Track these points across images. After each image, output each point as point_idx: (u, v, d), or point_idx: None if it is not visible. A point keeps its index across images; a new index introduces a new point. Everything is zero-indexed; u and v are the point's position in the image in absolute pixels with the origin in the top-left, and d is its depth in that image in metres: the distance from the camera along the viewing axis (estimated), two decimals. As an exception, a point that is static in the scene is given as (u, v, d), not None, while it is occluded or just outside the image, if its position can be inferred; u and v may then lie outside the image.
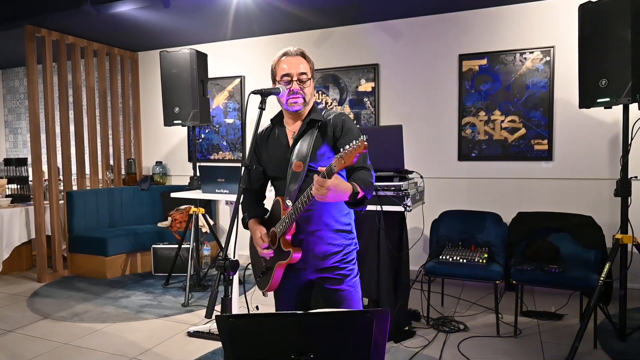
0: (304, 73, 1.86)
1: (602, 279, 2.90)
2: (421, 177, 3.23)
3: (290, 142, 1.91)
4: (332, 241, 1.86)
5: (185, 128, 5.65)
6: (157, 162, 5.79)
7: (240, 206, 2.14)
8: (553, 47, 4.09)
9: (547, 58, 4.11)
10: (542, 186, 4.19)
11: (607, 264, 2.92)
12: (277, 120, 2.00)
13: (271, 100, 1.90)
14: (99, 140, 5.49)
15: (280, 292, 1.99)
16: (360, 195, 1.65)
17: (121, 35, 5.14)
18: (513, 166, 4.29)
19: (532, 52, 4.16)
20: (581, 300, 3.52)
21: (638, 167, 3.72)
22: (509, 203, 4.22)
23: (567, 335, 3.21)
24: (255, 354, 1.42)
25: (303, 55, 1.90)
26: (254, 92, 1.77)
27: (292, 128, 1.95)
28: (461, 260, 3.41)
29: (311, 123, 1.89)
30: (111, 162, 5.67)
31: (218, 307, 1.69)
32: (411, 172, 3.17)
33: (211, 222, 4.85)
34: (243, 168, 1.75)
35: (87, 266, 4.84)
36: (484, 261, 3.36)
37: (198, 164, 3.27)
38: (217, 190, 3.18)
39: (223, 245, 4.77)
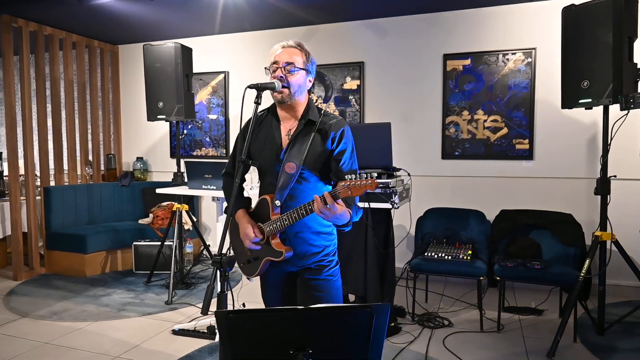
0: (292, 63, 1.85)
1: (582, 275, 2.98)
2: (408, 174, 3.26)
3: (285, 140, 1.91)
4: (313, 242, 1.90)
5: (167, 123, 5.56)
6: (137, 158, 5.68)
7: (223, 192, 2.14)
8: (534, 48, 4.18)
9: (529, 59, 4.20)
10: (523, 184, 4.28)
11: (587, 261, 3.01)
12: (273, 112, 1.98)
13: (266, 95, 1.89)
14: (77, 134, 5.36)
15: (266, 278, 2.03)
16: (350, 221, 1.75)
17: (102, 27, 5.02)
18: (495, 165, 4.37)
19: (514, 54, 4.24)
20: (561, 296, 3.61)
21: (616, 166, 3.83)
22: (491, 201, 4.30)
23: (547, 330, 3.29)
24: (253, 350, 1.41)
25: (299, 46, 1.89)
26: (250, 87, 1.76)
27: (287, 125, 1.93)
28: (446, 257, 3.46)
29: (309, 124, 1.88)
30: (90, 158, 5.54)
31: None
32: (398, 170, 3.19)
33: (194, 219, 4.79)
34: (237, 162, 1.73)
35: (65, 264, 4.73)
36: (468, 258, 3.42)
37: (184, 160, 3.21)
38: (203, 187, 3.14)
39: (206, 242, 4.72)
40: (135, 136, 5.82)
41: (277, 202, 1.84)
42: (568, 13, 3.03)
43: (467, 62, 4.39)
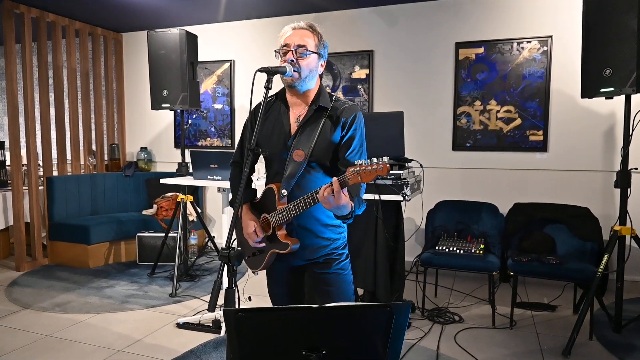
0: (303, 45, 1.74)
1: (600, 271, 2.88)
2: (421, 165, 3.16)
3: (293, 127, 1.81)
4: (321, 235, 1.81)
5: (172, 113, 5.47)
6: (141, 148, 5.60)
7: (229, 183, 2.05)
8: (551, 37, 4.04)
9: (545, 48, 4.06)
10: (536, 177, 4.17)
11: (605, 256, 2.91)
12: (281, 97, 1.88)
13: (276, 80, 1.78)
14: (80, 124, 5.27)
15: (272, 273, 1.95)
16: (351, 213, 1.67)
17: (106, 14, 4.91)
18: (508, 157, 4.25)
19: (529, 42, 4.11)
20: (575, 292, 3.51)
21: (636, 158, 3.72)
22: (503, 194, 4.19)
23: (562, 327, 3.20)
24: (263, 350, 1.32)
25: (311, 28, 1.78)
26: (261, 70, 1.65)
27: (296, 111, 1.83)
28: (458, 251, 3.36)
29: (319, 110, 1.78)
30: (93, 147, 5.46)
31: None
32: (410, 161, 3.09)
33: (199, 210, 4.71)
34: (246, 150, 1.63)
35: (69, 255, 4.66)
36: (481, 252, 3.32)
37: (189, 150, 3.12)
38: (209, 177, 3.05)
39: (211, 234, 4.61)
40: (140, 126, 5.73)
41: (284, 192, 1.75)
42: (590, -2, 2.90)
43: (480, 50, 4.26)
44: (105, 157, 5.58)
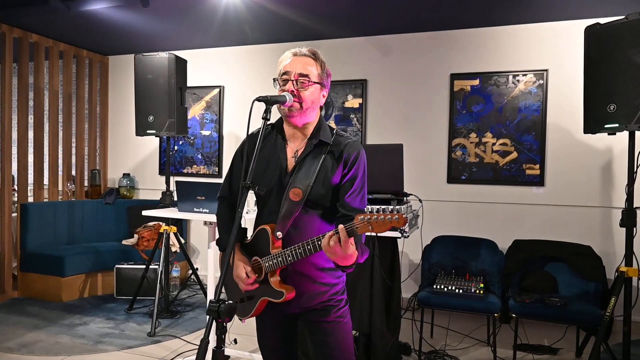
0: (305, 75, 1.60)
1: (607, 314, 2.73)
2: (420, 200, 3.01)
3: (290, 162, 1.65)
4: (319, 280, 1.64)
5: (157, 139, 5.28)
6: (124, 174, 5.37)
7: (216, 219, 1.87)
8: (547, 70, 4.00)
9: (541, 81, 4.02)
10: (533, 212, 4.06)
11: (613, 299, 2.76)
12: (278, 129, 1.72)
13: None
14: (60, 148, 5.04)
15: (263, 321, 1.76)
16: (354, 263, 1.50)
17: (92, 36, 4.76)
18: (504, 190, 4.14)
19: (525, 75, 4.06)
20: (578, 334, 3.35)
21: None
22: (500, 228, 4.07)
23: (566, 373, 3.03)
24: None
25: (314, 55, 1.64)
26: (259, 99, 1.50)
27: (294, 145, 1.68)
28: (456, 290, 3.19)
29: (319, 145, 1.63)
30: (73, 173, 5.22)
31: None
32: (409, 195, 2.94)
33: (182, 241, 4.48)
34: (241, 188, 1.46)
35: (41, 287, 4.36)
36: (481, 292, 3.15)
37: (174, 179, 2.93)
38: (195, 209, 2.85)
39: (194, 265, 4.31)
40: (123, 151, 5.52)
41: (279, 234, 1.58)
42: (592, 32, 2.84)
43: (476, 82, 4.20)
44: (86, 183, 5.34)
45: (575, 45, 3.89)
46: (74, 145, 5.20)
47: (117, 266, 4.43)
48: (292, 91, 1.58)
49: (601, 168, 3.90)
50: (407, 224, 2.79)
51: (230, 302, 1.30)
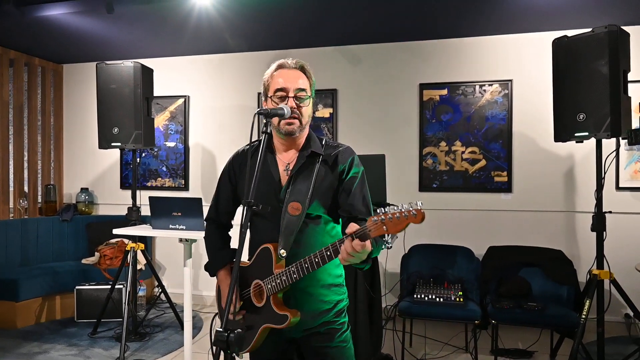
0: (303, 90, 1.56)
1: (583, 317, 2.82)
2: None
3: (283, 175, 1.59)
4: (323, 298, 1.58)
5: (117, 151, 5.02)
6: (82, 189, 5.08)
7: (205, 242, 1.78)
8: (511, 80, 4.14)
9: (506, 91, 4.14)
10: (503, 217, 4.16)
11: (587, 302, 2.85)
12: (267, 144, 1.65)
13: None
14: (11, 162, 4.71)
15: (260, 347, 1.63)
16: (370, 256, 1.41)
17: (45, 43, 4.48)
18: (474, 197, 4.23)
19: (491, 85, 4.18)
20: (552, 336, 3.44)
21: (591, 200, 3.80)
22: (472, 235, 4.14)
23: (544, 376, 3.09)
24: None
25: (303, 69, 1.60)
26: (260, 113, 1.43)
27: (284, 158, 1.62)
28: (437, 299, 3.20)
29: (312, 155, 1.58)
30: (26, 189, 4.87)
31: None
32: (390, 205, 2.92)
33: (149, 257, 4.27)
34: (244, 207, 1.37)
35: (-8, 314, 4.02)
36: (461, 299, 3.18)
37: (149, 196, 2.78)
38: (171, 226, 2.71)
39: (162, 281, 4.07)
40: (80, 165, 5.22)
41: (283, 252, 1.50)
42: (560, 45, 2.96)
43: (444, 92, 4.28)
44: (40, 200, 5.00)
45: (537, 57, 4.04)
46: (26, 159, 4.87)
47: (77, 287, 4.15)
48: (293, 108, 1.52)
49: (564, 174, 4.06)
50: (389, 235, 2.77)
51: (240, 330, 1.21)
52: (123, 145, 3.58)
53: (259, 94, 4.67)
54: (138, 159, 4.85)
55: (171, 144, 4.93)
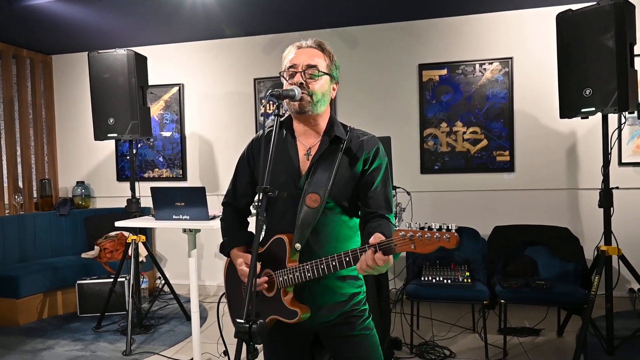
0: (314, 66, 1.49)
1: (592, 293, 2.81)
2: (408, 193, 2.97)
3: (303, 161, 1.53)
4: (338, 290, 1.52)
5: (112, 142, 4.94)
6: (78, 183, 4.99)
7: (221, 225, 1.73)
8: (511, 58, 4.08)
9: (506, 69, 4.09)
10: (506, 197, 4.14)
11: (596, 278, 2.84)
12: (287, 125, 1.59)
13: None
14: (4, 158, 4.60)
15: (272, 339, 1.60)
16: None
17: (32, 34, 4.35)
18: (476, 178, 4.20)
19: (491, 63, 4.12)
20: (559, 313, 3.45)
21: (594, 177, 3.79)
22: (475, 216, 4.12)
23: (552, 352, 3.12)
24: None
25: (320, 47, 1.53)
26: (272, 94, 1.36)
27: (305, 142, 1.56)
28: (444, 280, 3.18)
29: (334, 142, 1.52)
30: (20, 184, 4.78)
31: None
32: (396, 188, 2.89)
33: (150, 249, 4.21)
34: (259, 193, 1.32)
35: (-7, 312, 3.97)
36: (468, 280, 3.16)
37: (151, 187, 2.71)
38: (174, 217, 2.65)
39: (165, 274, 4.01)
40: (74, 158, 5.12)
41: (298, 245, 1.45)
42: (564, 19, 2.90)
43: (444, 72, 4.22)
44: (35, 195, 4.91)
45: (538, 33, 3.99)
46: (19, 153, 4.77)
47: (78, 282, 4.10)
48: (301, 83, 1.46)
49: (566, 151, 4.03)
50: (396, 219, 2.74)
51: (262, 321, 1.16)
52: (120, 136, 3.50)
53: (255, 79, 4.58)
54: (134, 150, 4.78)
55: (167, 134, 4.84)
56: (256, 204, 1.33)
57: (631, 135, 3.89)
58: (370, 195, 1.49)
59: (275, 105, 1.38)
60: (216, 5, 3.71)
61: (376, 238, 1.25)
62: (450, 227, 1.12)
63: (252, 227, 1.51)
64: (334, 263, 1.34)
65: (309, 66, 1.48)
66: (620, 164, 3.91)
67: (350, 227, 1.55)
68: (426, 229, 1.14)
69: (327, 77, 1.52)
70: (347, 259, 1.32)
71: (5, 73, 4.60)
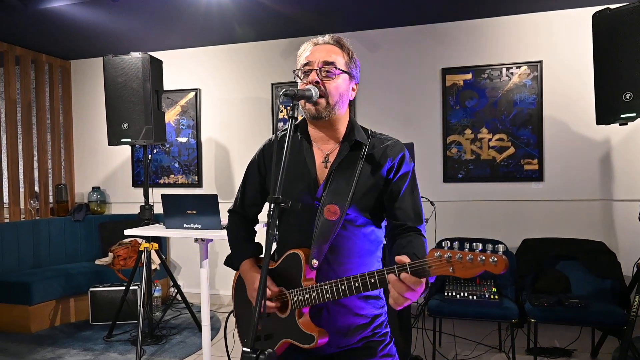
0: (331, 63, 1.35)
1: (633, 313, 2.59)
2: (432, 203, 2.80)
3: (320, 169, 1.39)
4: (359, 311, 1.37)
5: (129, 148, 4.89)
6: (93, 188, 4.95)
7: (227, 234, 1.60)
8: (540, 61, 3.88)
9: (535, 73, 3.89)
10: (533, 208, 3.92)
11: (637, 297, 2.62)
12: (302, 129, 1.46)
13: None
14: (21, 162, 4.59)
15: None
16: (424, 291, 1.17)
17: (51, 39, 4.34)
18: (502, 187, 4.00)
19: (519, 67, 3.93)
20: (593, 334, 3.22)
21: (634, 188, 3.56)
22: (501, 227, 3.92)
23: (588, 377, 2.88)
24: None
25: (339, 43, 1.40)
26: (286, 94, 1.23)
27: (322, 148, 1.42)
28: (470, 296, 2.99)
29: (355, 147, 1.37)
30: (36, 189, 4.76)
31: None
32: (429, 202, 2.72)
33: (163, 257, 4.12)
34: (270, 204, 1.18)
35: (5, 318, 3.91)
36: (496, 297, 2.97)
37: (152, 191, 2.62)
38: (185, 225, 2.54)
39: (178, 282, 3.87)
40: (90, 163, 5.09)
41: (315, 262, 1.30)
42: (601, 18, 2.70)
43: (468, 76, 4.04)
44: (51, 200, 4.89)
45: (568, 36, 3.79)
46: (35, 158, 4.75)
47: (91, 289, 4.03)
48: (317, 82, 1.32)
49: (600, 160, 3.80)
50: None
51: (270, 351, 1.02)
52: (133, 141, 3.42)
53: (273, 84, 4.48)
54: (149, 155, 4.71)
55: (183, 139, 4.77)
56: (269, 213, 1.19)
57: (671, 143, 3.64)
58: (397, 206, 1.34)
59: (290, 107, 1.25)
60: (233, 8, 3.62)
61: (404, 259, 1.10)
62: (496, 249, 0.96)
63: (260, 238, 1.38)
64: (356, 284, 1.19)
65: (326, 63, 1.35)
66: (657, 174, 3.66)
67: (372, 241, 1.41)
68: (467, 249, 0.97)
69: (345, 76, 1.38)
70: (372, 281, 1.17)
71: (23, 78, 4.60)
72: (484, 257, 0.97)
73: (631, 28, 2.56)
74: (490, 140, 4.01)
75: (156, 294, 4.26)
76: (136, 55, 3.42)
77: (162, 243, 4.72)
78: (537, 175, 3.91)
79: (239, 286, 1.55)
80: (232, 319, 1.59)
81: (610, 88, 2.66)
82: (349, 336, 1.37)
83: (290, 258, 1.35)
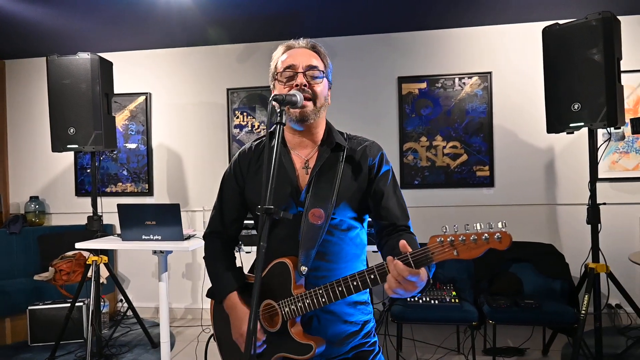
0: (315, 67, 1.34)
1: (583, 312, 2.74)
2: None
3: (301, 174, 1.36)
4: (348, 318, 1.36)
5: (71, 154, 4.59)
6: (31, 198, 4.59)
7: (205, 262, 1.51)
8: (490, 72, 4.06)
9: (485, 84, 4.06)
10: (486, 213, 4.07)
11: (586, 296, 2.78)
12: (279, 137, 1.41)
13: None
14: (-54, 170, 4.17)
15: None
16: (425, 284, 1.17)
17: (-17, 36, 3.99)
18: (456, 193, 4.12)
19: (470, 77, 4.09)
20: (544, 332, 3.38)
21: (572, 193, 3.79)
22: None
23: (542, 374, 3.01)
24: None
25: (314, 48, 1.38)
26: (276, 99, 1.19)
27: (301, 153, 1.39)
28: (432, 301, 3.05)
29: (335, 150, 1.36)
30: (-35, 199, 4.35)
31: None
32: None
33: (112, 270, 3.87)
34: (261, 215, 1.12)
35: None
36: (456, 300, 3.04)
37: (117, 203, 2.45)
38: (144, 237, 2.40)
39: (128, 296, 3.65)
40: (27, 171, 4.72)
41: (303, 269, 1.27)
42: (550, 33, 2.87)
43: (423, 85, 4.15)
44: (-19, 211, 4.48)
45: (515, 49, 3.99)
46: (-36, 166, 4.34)
47: (30, 307, 3.71)
48: (304, 86, 1.29)
49: (545, 167, 4.02)
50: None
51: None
52: (81, 147, 3.20)
53: (228, 89, 4.37)
54: (97, 163, 4.45)
55: (132, 146, 4.53)
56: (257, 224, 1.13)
57: (607, 151, 3.92)
58: (383, 205, 1.34)
59: (277, 113, 1.20)
60: (196, 10, 3.50)
61: (405, 247, 1.08)
62: (500, 224, 0.95)
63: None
64: (354, 283, 1.16)
65: (310, 67, 1.32)
66: (597, 179, 3.91)
67: (357, 244, 1.40)
68: (471, 231, 0.96)
69: (326, 81, 1.37)
70: (372, 277, 1.14)
71: (-50, 77, 4.20)
72: (487, 235, 0.97)
73: (579, 42, 2.73)
74: (444, 147, 4.13)
75: (104, 309, 4.00)
76: (84, 56, 3.22)
77: (109, 255, 4.45)
78: (489, 181, 4.07)
79: (218, 313, 1.45)
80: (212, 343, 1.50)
81: (560, 99, 2.83)
82: (340, 345, 1.34)
83: (276, 267, 1.30)
